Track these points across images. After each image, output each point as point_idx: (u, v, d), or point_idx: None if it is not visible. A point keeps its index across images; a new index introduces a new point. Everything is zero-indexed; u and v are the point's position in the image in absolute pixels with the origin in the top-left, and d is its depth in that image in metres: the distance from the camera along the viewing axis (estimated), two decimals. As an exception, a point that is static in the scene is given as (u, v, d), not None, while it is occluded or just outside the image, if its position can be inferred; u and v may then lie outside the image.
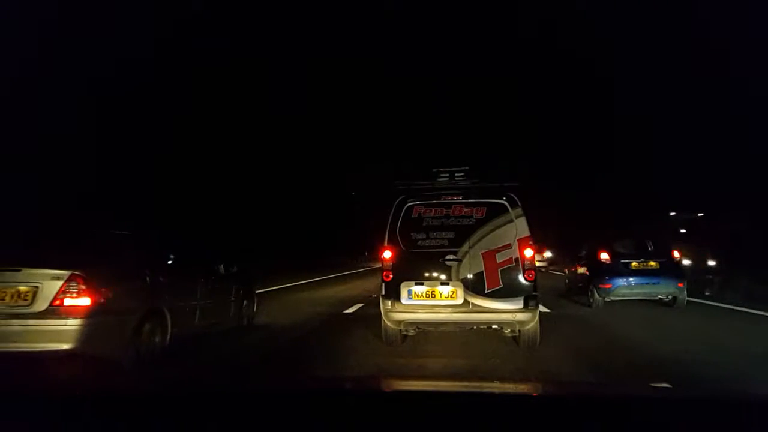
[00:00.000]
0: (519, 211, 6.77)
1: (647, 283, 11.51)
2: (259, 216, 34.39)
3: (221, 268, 7.87)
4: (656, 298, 11.84)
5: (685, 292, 11.69)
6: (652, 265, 11.69)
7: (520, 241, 6.65)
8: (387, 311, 6.77)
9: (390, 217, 6.99)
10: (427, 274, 6.72)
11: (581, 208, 34.21)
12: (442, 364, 6.45)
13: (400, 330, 7.07)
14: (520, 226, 6.70)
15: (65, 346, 5.09)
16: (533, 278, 6.66)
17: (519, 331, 6.83)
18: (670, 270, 11.65)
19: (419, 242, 6.84)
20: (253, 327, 8.65)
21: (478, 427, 1.47)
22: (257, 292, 9.39)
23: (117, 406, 1.71)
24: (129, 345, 5.59)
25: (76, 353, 5.18)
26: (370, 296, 12.65)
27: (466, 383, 2.80)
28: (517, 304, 6.52)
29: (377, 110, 60.89)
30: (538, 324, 6.86)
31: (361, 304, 11.93)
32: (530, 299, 6.59)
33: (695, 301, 12.31)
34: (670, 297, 11.68)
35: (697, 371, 5.70)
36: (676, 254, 12.10)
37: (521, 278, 6.62)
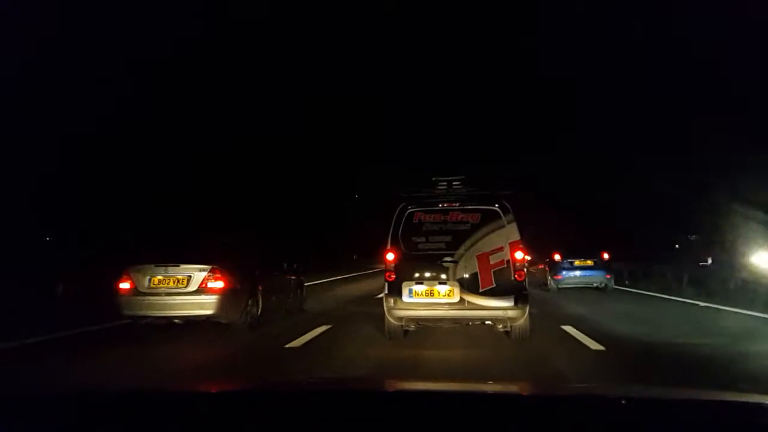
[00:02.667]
0: (510, 217, 7.01)
1: (585, 275, 16.32)
2: (268, 222, 36.37)
3: (285, 265, 10.64)
4: (593, 285, 16.36)
5: (612, 281, 16.37)
6: (588, 263, 16.33)
7: (511, 244, 6.90)
8: (390, 308, 6.97)
9: (393, 222, 7.19)
10: (426, 275, 6.92)
11: (560, 217, 36.95)
12: (440, 355, 6.84)
13: (402, 326, 7.18)
14: (512, 231, 6.93)
15: (208, 312, 7.87)
16: (523, 278, 6.92)
17: (510, 326, 6.96)
18: (601, 266, 16.37)
19: (419, 245, 7.08)
20: (302, 310, 10.97)
21: (476, 427, 1.43)
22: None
23: (117, 405, 1.68)
24: (241, 313, 8.26)
25: (213, 317, 7.96)
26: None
27: (464, 383, 2.87)
28: (509, 301, 6.72)
29: (381, 118, 62.74)
30: (528, 319, 7.00)
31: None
32: (520, 297, 6.78)
33: (621, 288, 16.97)
34: (602, 284, 16.22)
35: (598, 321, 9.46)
36: (605, 255, 16.58)
37: (512, 278, 6.82)
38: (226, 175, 34.25)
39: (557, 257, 16.65)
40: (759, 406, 1.64)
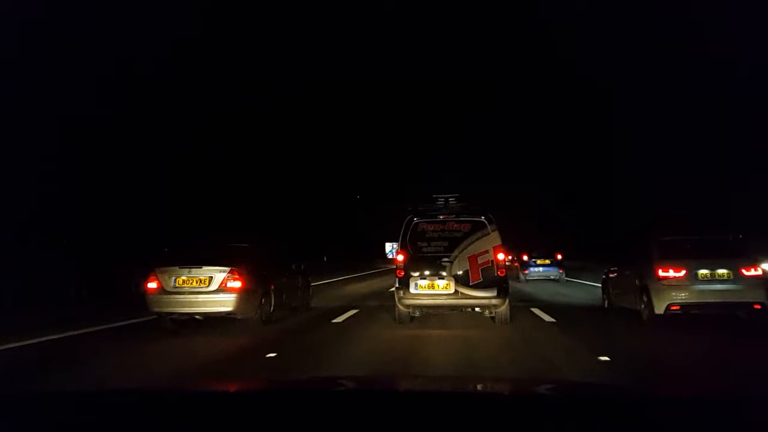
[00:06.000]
0: (494, 226, 8.21)
1: (545, 270, 21.35)
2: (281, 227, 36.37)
3: (293, 266, 10.95)
4: (550, 278, 21.08)
5: (564, 274, 21.28)
6: (546, 261, 21.39)
7: (494, 248, 8.11)
8: (400, 298, 8.15)
9: (402, 231, 8.38)
10: (428, 272, 8.09)
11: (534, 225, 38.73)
12: (438, 333, 7.93)
13: (409, 312, 8.37)
14: (495, 238, 8.15)
15: (227, 309, 8.10)
16: (504, 274, 8.15)
17: (494, 311, 8.18)
18: (555, 263, 21.34)
19: (423, 249, 8.26)
20: (310, 307, 11.17)
21: (474, 427, 1.40)
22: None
23: (117, 405, 1.65)
24: (257, 310, 8.51)
25: (231, 314, 8.16)
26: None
27: (463, 381, 2.89)
28: (493, 292, 7.93)
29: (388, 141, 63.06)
30: (509, 307, 8.20)
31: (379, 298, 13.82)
32: (502, 289, 7.98)
33: (570, 279, 21.34)
34: (556, 277, 21.02)
35: (555, 301, 12.81)
36: (559, 256, 21.55)
37: (496, 274, 8.01)
38: (229, 180, 34.94)
39: (525, 257, 21.67)
40: (754, 403, 1.61)
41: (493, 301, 8.02)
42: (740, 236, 8.72)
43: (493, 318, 8.33)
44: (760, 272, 8.06)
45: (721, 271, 8.11)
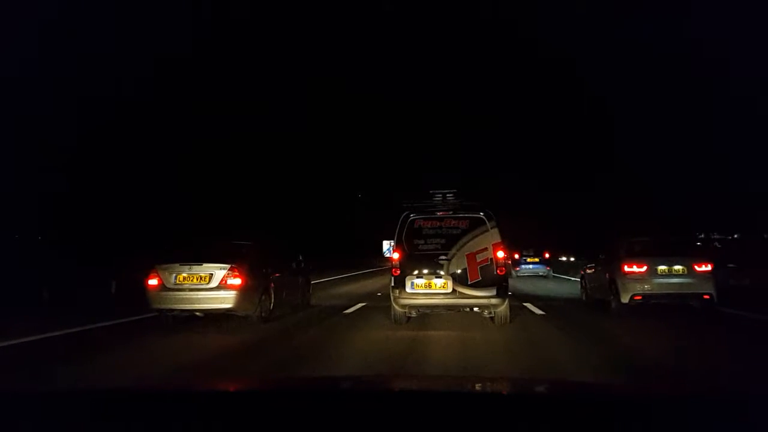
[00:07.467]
0: (493, 223, 7.83)
1: (534, 267, 23.19)
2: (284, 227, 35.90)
3: (294, 264, 10.93)
4: (539, 274, 22.85)
5: (551, 271, 23.26)
6: (535, 260, 23.36)
7: (494, 245, 7.73)
8: (396, 298, 7.78)
9: (397, 228, 8.01)
10: (425, 270, 7.74)
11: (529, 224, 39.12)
12: (435, 334, 7.60)
13: (405, 312, 7.98)
14: (494, 235, 7.78)
15: (227, 306, 7.99)
16: (504, 273, 7.75)
17: (493, 312, 7.79)
18: (543, 261, 23.33)
19: (420, 246, 7.89)
20: (310, 305, 11.09)
21: (473, 427, 1.39)
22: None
23: (116, 404, 1.63)
24: (256, 307, 8.40)
25: (232, 311, 8.06)
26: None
27: (462, 381, 2.90)
28: (492, 292, 7.55)
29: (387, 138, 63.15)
30: (508, 307, 7.84)
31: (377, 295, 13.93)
32: (501, 289, 7.58)
33: (557, 276, 23.57)
34: (544, 274, 22.85)
35: (543, 295, 14.26)
36: (546, 254, 23.65)
37: (495, 273, 7.64)
38: (229, 179, 34.95)
39: (516, 256, 23.32)
40: (755, 401, 1.58)
41: (492, 301, 7.64)
42: (701, 235, 10.43)
43: (492, 318, 8.01)
44: (709, 268, 9.19)
45: (677, 267, 9.28)
